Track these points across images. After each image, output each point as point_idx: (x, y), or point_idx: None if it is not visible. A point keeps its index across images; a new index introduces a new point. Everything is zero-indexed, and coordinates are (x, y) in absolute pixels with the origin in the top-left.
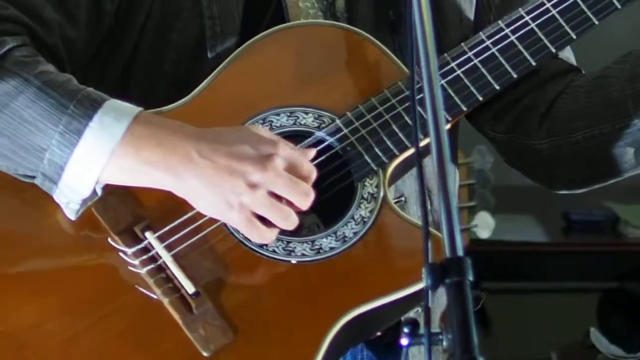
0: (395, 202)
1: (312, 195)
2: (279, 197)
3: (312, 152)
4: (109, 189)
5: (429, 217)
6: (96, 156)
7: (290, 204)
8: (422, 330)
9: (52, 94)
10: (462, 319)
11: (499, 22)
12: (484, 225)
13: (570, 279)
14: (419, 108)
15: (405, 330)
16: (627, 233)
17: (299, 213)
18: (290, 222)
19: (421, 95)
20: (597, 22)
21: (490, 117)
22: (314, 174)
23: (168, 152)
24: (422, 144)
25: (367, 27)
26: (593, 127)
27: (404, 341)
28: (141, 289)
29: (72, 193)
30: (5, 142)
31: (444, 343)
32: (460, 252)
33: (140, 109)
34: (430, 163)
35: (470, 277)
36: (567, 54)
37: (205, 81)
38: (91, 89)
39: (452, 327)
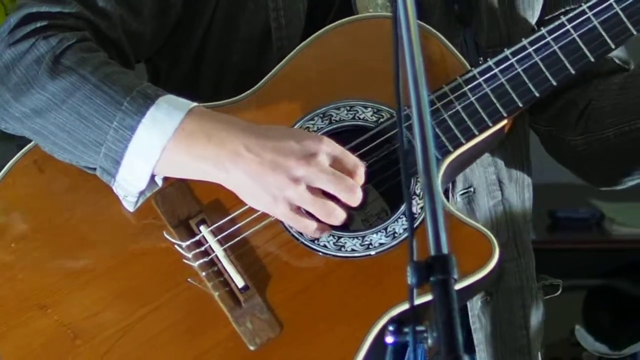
0: (464, 193)
1: (357, 190)
2: (328, 193)
3: (362, 168)
4: (169, 180)
5: (500, 207)
6: (149, 151)
7: (338, 200)
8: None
9: (107, 90)
10: (447, 317)
11: (562, 17)
12: None
13: (556, 277)
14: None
15: (390, 328)
16: (612, 230)
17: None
18: (335, 217)
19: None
20: None
21: (535, 109)
22: (360, 169)
23: (217, 147)
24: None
25: (435, 18)
26: (623, 124)
27: (389, 339)
28: (193, 281)
29: (128, 186)
30: (65, 137)
31: (429, 341)
32: (445, 250)
33: (193, 104)
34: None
35: (455, 275)
36: (618, 52)
37: (269, 74)
38: (147, 84)
39: (437, 325)
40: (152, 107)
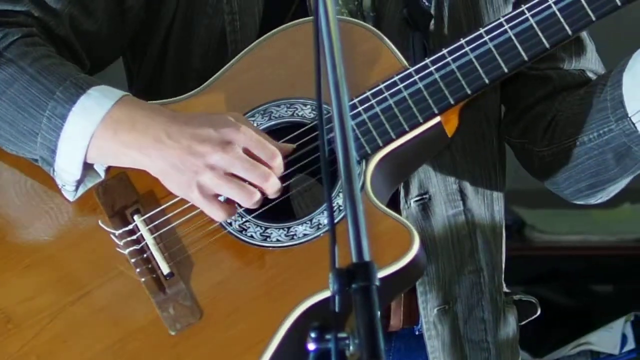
0: (418, 199)
1: (271, 178)
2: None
3: (291, 148)
4: (111, 173)
5: (461, 217)
6: (79, 139)
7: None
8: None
9: (42, 80)
10: (368, 323)
11: (500, 18)
12: None
13: None
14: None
15: (312, 335)
16: (534, 237)
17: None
18: (255, 202)
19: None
20: (594, 19)
21: (507, 122)
22: (277, 159)
23: (141, 134)
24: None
25: (394, 25)
26: (582, 134)
27: (311, 346)
28: (123, 268)
29: (64, 174)
30: (7, 128)
31: (351, 348)
32: (366, 257)
33: (124, 93)
34: (462, 160)
35: (377, 282)
36: (592, 66)
37: (215, 75)
38: (83, 75)
39: (358, 332)
40: (83, 96)
